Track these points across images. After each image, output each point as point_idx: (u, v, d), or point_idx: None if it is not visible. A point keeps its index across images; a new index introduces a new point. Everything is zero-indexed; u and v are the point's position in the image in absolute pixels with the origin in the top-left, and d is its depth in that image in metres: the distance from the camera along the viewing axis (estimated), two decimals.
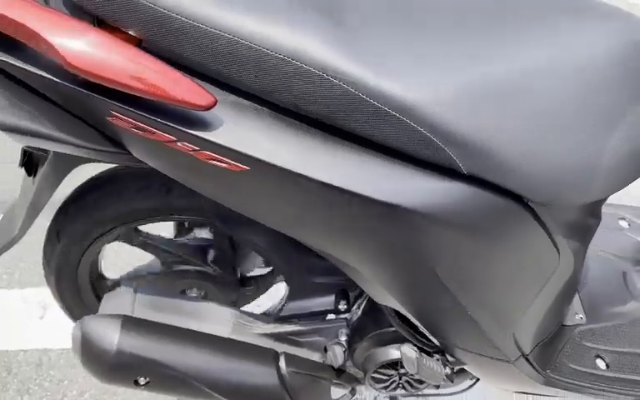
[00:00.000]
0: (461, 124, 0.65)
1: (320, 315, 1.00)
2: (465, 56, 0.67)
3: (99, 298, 1.15)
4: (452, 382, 0.97)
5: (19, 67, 0.62)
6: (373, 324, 0.98)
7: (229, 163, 0.65)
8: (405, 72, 0.64)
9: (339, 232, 0.72)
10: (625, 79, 0.73)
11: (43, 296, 1.49)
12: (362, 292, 1.00)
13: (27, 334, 1.43)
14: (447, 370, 0.91)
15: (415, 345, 0.90)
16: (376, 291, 0.83)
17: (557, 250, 0.81)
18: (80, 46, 0.58)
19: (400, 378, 1.01)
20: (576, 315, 1.10)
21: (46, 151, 0.80)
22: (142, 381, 0.91)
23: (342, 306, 0.99)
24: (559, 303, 0.96)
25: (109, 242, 1.02)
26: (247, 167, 0.65)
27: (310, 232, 0.74)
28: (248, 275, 1.14)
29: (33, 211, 0.88)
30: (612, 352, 1.07)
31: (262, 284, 1.15)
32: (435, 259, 0.74)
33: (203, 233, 1.08)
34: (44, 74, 0.62)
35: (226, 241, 1.05)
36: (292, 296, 1.00)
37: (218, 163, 0.65)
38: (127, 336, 0.89)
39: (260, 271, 1.15)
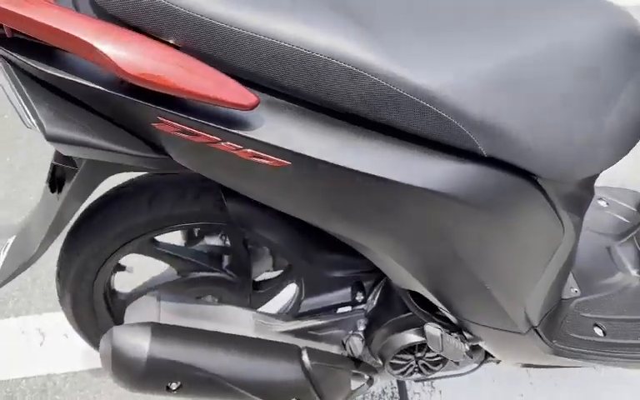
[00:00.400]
0: (482, 110, 0.70)
1: (337, 308, 1.04)
2: (480, 47, 0.73)
3: (112, 315, 1.16)
4: (472, 358, 1.02)
5: (66, 79, 0.65)
6: (389, 312, 1.02)
7: (271, 159, 0.68)
8: (428, 64, 0.69)
9: (372, 219, 0.76)
10: (617, 62, 0.81)
11: (41, 322, 1.47)
12: (376, 283, 1.04)
13: (29, 362, 1.40)
14: (467, 346, 0.97)
15: (438, 324, 0.95)
16: (399, 274, 0.88)
17: (562, 224, 0.88)
18: (131, 53, 0.61)
19: (417, 362, 1.06)
20: (571, 289, 1.17)
21: (75, 165, 0.81)
22: (173, 386, 0.93)
23: (359, 297, 1.03)
24: (561, 277, 1.03)
25: (125, 255, 1.03)
26: (289, 163, 0.69)
27: (343, 221, 0.78)
28: (261, 279, 1.17)
29: (56, 227, 0.89)
30: (607, 320, 1.14)
31: (275, 287, 1.18)
32: (458, 238, 0.79)
33: (214, 241, 1.11)
34: (93, 85, 0.64)
35: (241, 246, 1.08)
36: (309, 292, 1.03)
37: (260, 160, 0.68)
38: (157, 342, 0.90)
39: (271, 274, 1.19)
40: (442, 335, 0.92)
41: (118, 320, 1.17)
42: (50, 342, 1.44)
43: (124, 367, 0.90)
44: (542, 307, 0.99)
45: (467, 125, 0.70)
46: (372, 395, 1.37)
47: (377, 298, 1.04)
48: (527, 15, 0.78)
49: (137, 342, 0.90)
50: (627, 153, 0.87)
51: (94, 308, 1.11)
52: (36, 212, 0.97)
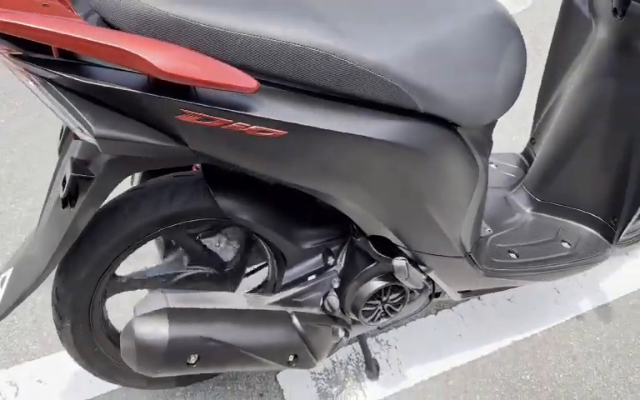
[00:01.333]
0: (418, 76, 0.95)
1: (313, 274, 1.23)
2: (411, 30, 0.98)
3: (111, 340, 1.26)
4: (427, 288, 1.26)
5: (103, 86, 0.80)
6: (356, 268, 1.22)
7: (271, 132, 0.88)
8: (376, 45, 0.92)
9: (346, 171, 0.97)
10: (497, 36, 1.10)
11: (10, 375, 1.48)
12: (342, 246, 1.24)
13: None
14: (424, 275, 1.20)
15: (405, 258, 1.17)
16: (367, 220, 1.09)
17: (477, 165, 1.15)
18: (163, 56, 0.77)
19: (383, 307, 1.27)
20: (485, 229, 1.46)
21: (91, 175, 0.94)
22: (192, 360, 1.05)
23: (330, 261, 1.23)
24: (479, 215, 1.30)
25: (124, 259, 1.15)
26: (286, 132, 0.88)
27: (326, 178, 0.98)
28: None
29: (70, 239, 1.00)
30: (517, 246, 1.45)
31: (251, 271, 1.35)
32: (409, 179, 1.03)
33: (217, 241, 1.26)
34: (128, 89, 0.80)
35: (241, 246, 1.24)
36: (289, 265, 1.21)
37: (264, 134, 0.87)
38: (175, 323, 1.03)
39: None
40: (407, 264, 1.15)
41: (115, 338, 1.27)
42: (24, 391, 1.46)
43: (149, 353, 1.02)
44: (470, 237, 1.25)
45: (408, 88, 0.94)
46: (341, 363, 1.55)
47: (344, 259, 1.24)
48: (437, 8, 1.05)
49: (158, 327, 1.02)
50: (513, 104, 1.16)
51: (93, 334, 1.21)
52: (38, 234, 1.06)
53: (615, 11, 1.31)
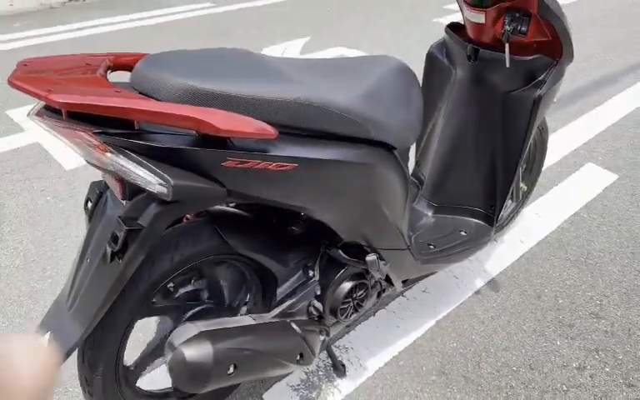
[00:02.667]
0: (370, 114, 1.32)
1: (299, 288, 1.50)
2: (355, 83, 1.35)
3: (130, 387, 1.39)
4: (377, 285, 1.60)
5: (171, 148, 1.03)
6: (331, 275, 1.52)
7: (287, 165, 1.17)
8: (341, 94, 1.28)
9: (333, 188, 1.29)
10: (404, 84, 1.52)
11: None
12: (315, 261, 1.53)
13: None
14: (385, 268, 1.53)
15: (376, 253, 1.50)
16: (347, 230, 1.41)
17: (406, 176, 1.54)
18: (219, 119, 1.04)
19: (353, 303, 1.57)
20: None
21: (141, 226, 1.13)
22: (231, 370, 1.26)
23: (310, 274, 1.51)
24: (408, 215, 1.69)
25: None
26: (296, 164, 1.18)
27: (321, 197, 1.28)
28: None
29: (115, 290, 1.17)
30: (432, 240, 1.86)
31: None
32: (369, 186, 1.37)
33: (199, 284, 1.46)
34: (191, 148, 1.04)
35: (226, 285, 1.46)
36: (280, 284, 1.47)
37: (282, 168, 1.16)
38: (213, 342, 1.24)
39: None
40: (377, 258, 1.48)
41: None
42: None
43: (199, 370, 1.21)
44: (407, 233, 1.63)
45: (365, 122, 1.30)
46: (313, 372, 1.80)
47: (319, 271, 1.53)
48: (365, 67, 1.44)
49: (202, 348, 1.22)
50: (419, 133, 1.58)
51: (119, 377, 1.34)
52: (77, 294, 1.20)
53: (469, 57, 1.83)
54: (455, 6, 6.02)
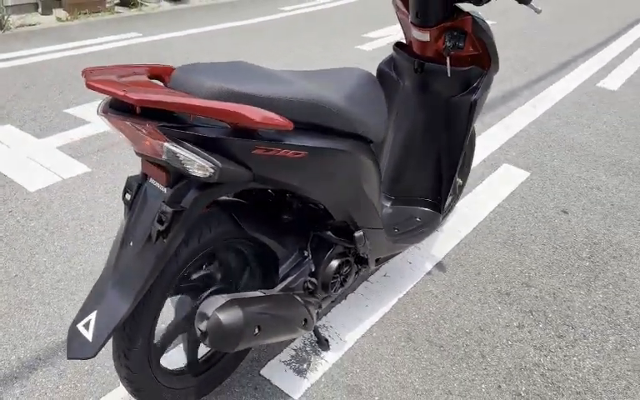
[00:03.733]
0: (356, 113, 1.59)
1: (295, 266, 1.73)
2: (339, 86, 1.62)
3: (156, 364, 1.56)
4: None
5: (216, 138, 1.25)
6: (322, 254, 1.76)
7: (301, 153, 1.41)
8: (336, 97, 1.54)
9: (330, 172, 1.54)
10: (370, 89, 1.80)
11: None
12: (307, 243, 1.76)
13: None
14: (368, 244, 1.80)
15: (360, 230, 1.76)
16: (339, 210, 1.66)
17: (379, 168, 1.82)
18: (254, 113, 1.27)
19: (340, 279, 1.82)
20: None
21: (184, 208, 1.32)
22: (257, 331, 1.46)
23: (305, 254, 1.74)
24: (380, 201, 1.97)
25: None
26: (307, 153, 1.43)
27: (323, 181, 1.53)
28: None
29: (158, 268, 1.35)
30: (395, 224, 2.16)
31: None
32: (354, 170, 1.64)
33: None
34: (229, 137, 1.27)
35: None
36: (281, 263, 1.69)
37: (296, 155, 1.41)
38: (242, 307, 1.44)
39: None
40: (364, 234, 1.74)
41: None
42: None
43: (233, 331, 1.40)
44: (380, 215, 1.91)
45: (353, 120, 1.58)
46: (301, 348, 2.02)
47: (311, 251, 1.77)
48: (344, 76, 1.72)
49: (234, 312, 1.41)
50: (386, 131, 1.88)
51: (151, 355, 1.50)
52: (120, 273, 1.36)
53: (416, 70, 2.16)
54: (373, 34, 6.52)
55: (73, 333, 1.37)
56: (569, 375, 2.01)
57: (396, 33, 6.44)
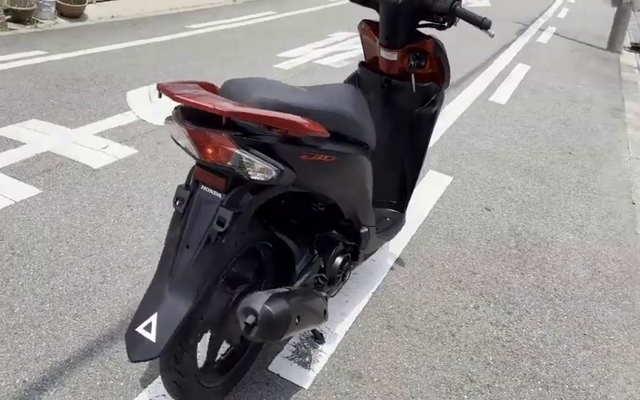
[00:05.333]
0: (362, 123, 1.80)
1: (309, 264, 1.88)
2: (345, 102, 1.80)
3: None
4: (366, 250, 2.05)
5: (277, 144, 1.39)
6: (327, 252, 1.93)
7: (333, 158, 1.59)
8: (349, 108, 1.73)
9: (347, 175, 1.73)
10: (362, 101, 2.01)
11: None
12: (314, 242, 1.92)
13: None
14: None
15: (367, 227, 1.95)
16: (350, 209, 1.85)
17: (371, 169, 2.03)
18: (304, 122, 1.42)
19: (342, 275, 2.00)
20: None
21: (241, 210, 1.44)
22: (297, 320, 1.60)
23: (315, 252, 1.90)
24: None
25: None
26: (337, 158, 1.61)
27: (343, 183, 1.71)
28: None
29: (219, 265, 1.45)
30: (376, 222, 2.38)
31: None
32: (364, 176, 1.85)
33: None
34: (286, 144, 1.41)
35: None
36: (297, 262, 1.83)
37: (329, 160, 1.58)
38: (285, 300, 1.57)
39: None
40: (369, 230, 1.93)
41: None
42: None
43: (280, 322, 1.52)
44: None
45: (362, 129, 1.78)
46: (299, 345, 2.16)
47: (319, 249, 1.93)
48: (338, 91, 1.90)
49: (280, 304, 1.53)
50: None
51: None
52: (179, 275, 1.43)
53: (383, 85, 2.41)
54: (287, 53, 6.73)
55: (133, 337, 1.41)
56: (523, 344, 2.35)
57: (306, 54, 6.73)
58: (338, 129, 1.67)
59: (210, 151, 1.38)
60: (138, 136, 3.87)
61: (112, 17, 7.98)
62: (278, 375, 2.02)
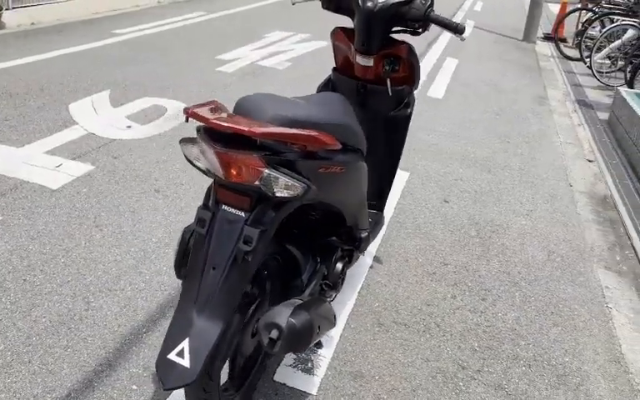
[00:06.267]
0: (359, 131, 1.85)
1: (313, 273, 1.91)
2: (341, 112, 1.85)
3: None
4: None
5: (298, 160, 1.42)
6: (328, 259, 1.97)
7: (343, 168, 1.63)
8: (346, 119, 1.78)
9: (349, 181, 1.78)
10: (348, 108, 2.06)
11: None
12: (316, 251, 1.95)
13: None
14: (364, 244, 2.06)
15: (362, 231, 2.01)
16: (351, 215, 1.89)
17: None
18: (323, 137, 1.46)
19: (342, 278, 2.05)
20: None
21: (266, 228, 1.45)
22: (317, 330, 1.63)
23: (317, 259, 1.93)
24: None
25: None
26: (345, 168, 1.65)
27: (347, 190, 1.76)
28: None
29: (246, 282, 1.46)
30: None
31: None
32: (362, 182, 1.90)
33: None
34: (308, 160, 1.44)
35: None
36: (302, 272, 1.86)
37: (340, 171, 1.62)
38: (308, 312, 1.59)
39: None
40: (369, 233, 1.99)
41: None
42: None
43: (305, 333, 1.54)
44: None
45: (360, 138, 1.84)
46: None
47: (321, 257, 1.96)
48: (332, 100, 1.94)
49: (304, 316, 1.56)
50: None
51: None
52: (209, 297, 1.43)
53: (359, 90, 2.46)
54: (226, 55, 6.62)
55: (166, 365, 1.39)
56: (501, 327, 2.50)
57: (246, 56, 6.67)
58: (343, 139, 1.71)
59: (235, 171, 1.38)
60: (92, 151, 3.70)
61: (33, 24, 7.52)
62: (285, 384, 2.04)
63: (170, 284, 2.48)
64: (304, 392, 2.02)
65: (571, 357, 2.37)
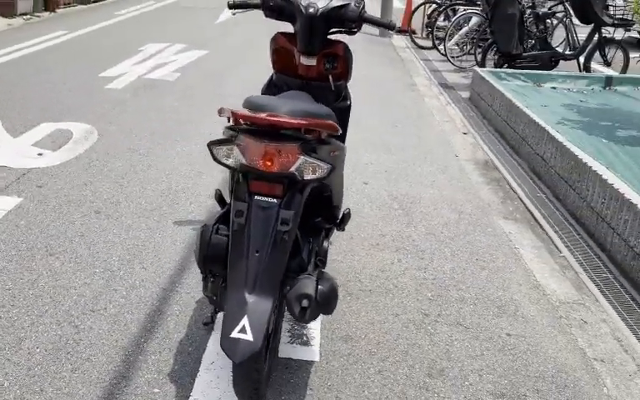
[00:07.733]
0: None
1: (310, 251, 2.13)
2: (320, 105, 2.11)
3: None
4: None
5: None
6: (318, 238, 2.20)
7: (340, 150, 1.90)
8: (330, 111, 2.04)
9: (338, 167, 2.05)
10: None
11: None
12: (307, 231, 2.18)
13: None
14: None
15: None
16: (338, 195, 2.15)
17: None
18: (335, 123, 1.72)
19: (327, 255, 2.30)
20: None
21: (298, 210, 1.66)
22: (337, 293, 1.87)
23: (311, 239, 2.16)
24: None
25: None
26: (341, 150, 1.92)
27: (335, 174, 2.02)
28: None
29: (286, 259, 1.67)
30: None
31: None
32: (343, 161, 2.18)
33: None
34: (324, 145, 1.69)
35: None
36: (302, 250, 2.08)
37: (340, 153, 1.89)
38: (327, 278, 1.83)
39: None
40: (349, 211, 2.26)
41: None
42: None
43: (335, 296, 1.78)
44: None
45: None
46: (291, 328, 2.40)
47: (313, 236, 2.19)
48: (306, 97, 2.19)
49: (331, 282, 1.80)
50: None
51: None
52: (255, 276, 1.61)
53: (303, 88, 2.70)
54: (109, 72, 6.38)
55: (231, 342, 1.57)
56: (443, 278, 2.93)
57: (130, 71, 6.51)
58: None
59: (276, 161, 1.59)
60: (12, 183, 3.50)
61: None
62: (290, 358, 2.24)
63: (149, 296, 2.53)
64: (309, 360, 2.24)
65: (502, 291, 2.86)
